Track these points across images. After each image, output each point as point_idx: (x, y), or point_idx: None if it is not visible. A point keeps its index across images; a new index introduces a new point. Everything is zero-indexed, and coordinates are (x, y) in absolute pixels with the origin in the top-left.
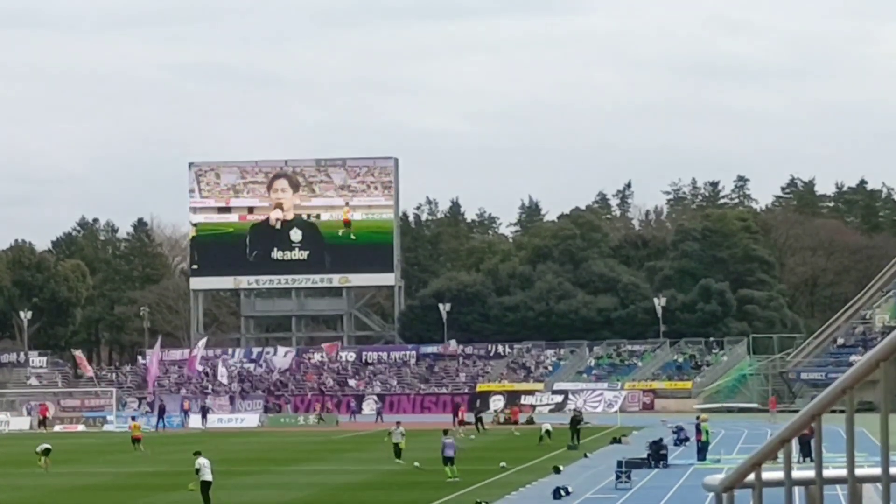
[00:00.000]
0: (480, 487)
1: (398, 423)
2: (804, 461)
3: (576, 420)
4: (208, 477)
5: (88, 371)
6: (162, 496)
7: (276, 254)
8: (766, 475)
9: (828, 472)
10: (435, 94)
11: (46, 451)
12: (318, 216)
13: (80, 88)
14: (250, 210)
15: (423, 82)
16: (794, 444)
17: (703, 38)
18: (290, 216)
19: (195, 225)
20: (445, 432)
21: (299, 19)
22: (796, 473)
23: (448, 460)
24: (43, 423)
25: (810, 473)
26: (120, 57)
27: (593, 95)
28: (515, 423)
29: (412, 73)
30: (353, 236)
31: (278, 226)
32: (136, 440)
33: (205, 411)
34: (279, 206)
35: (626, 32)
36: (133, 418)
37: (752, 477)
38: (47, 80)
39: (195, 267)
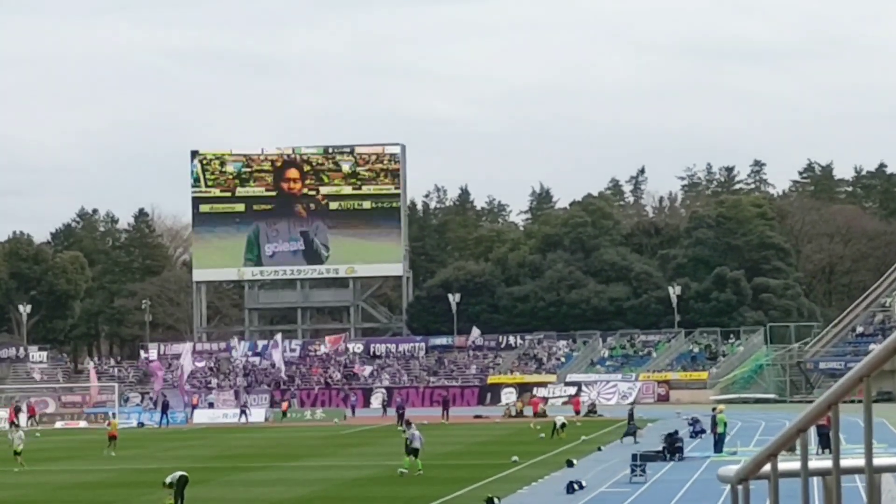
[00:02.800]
0: (492, 482)
1: (409, 423)
2: (823, 453)
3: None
4: (181, 473)
5: (94, 381)
6: (164, 492)
7: (284, 244)
8: (783, 465)
9: (846, 462)
10: (441, 78)
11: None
12: (326, 204)
13: (77, 76)
14: (257, 199)
15: (427, 67)
16: (813, 434)
17: (713, 18)
18: (300, 204)
19: (198, 214)
20: (409, 424)
21: (298, 2)
22: (813, 464)
23: (412, 452)
24: (33, 420)
25: (827, 464)
26: (116, 43)
27: (604, 78)
28: (578, 412)
29: (416, 57)
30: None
31: (290, 214)
32: (111, 438)
33: (244, 409)
34: (291, 194)
35: (635, 13)
36: (112, 415)
37: (767, 468)
38: (43, 67)
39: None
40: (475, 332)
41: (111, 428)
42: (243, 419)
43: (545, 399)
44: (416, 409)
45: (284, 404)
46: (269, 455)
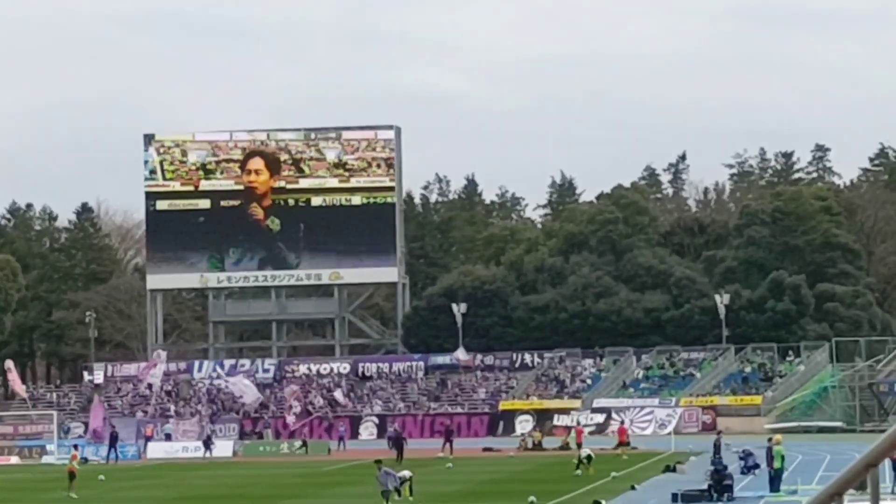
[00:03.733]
0: None
1: (380, 461)
2: None
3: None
4: None
5: (20, 390)
6: None
7: (256, 246)
8: None
9: None
10: (443, 49)
11: None
12: (307, 201)
13: (7, 47)
14: (224, 194)
15: (427, 35)
16: (887, 469)
17: None
18: (269, 201)
19: (154, 212)
20: (379, 462)
21: None
22: None
23: (387, 494)
24: None
25: None
26: (55, 7)
27: (638, 48)
28: (626, 444)
29: (414, 24)
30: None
31: (257, 212)
32: (72, 475)
33: (208, 441)
34: (254, 188)
35: None
36: (75, 447)
37: None
38: None
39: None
40: (461, 351)
41: (72, 463)
42: (207, 453)
43: (568, 429)
44: (414, 441)
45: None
46: (238, 497)
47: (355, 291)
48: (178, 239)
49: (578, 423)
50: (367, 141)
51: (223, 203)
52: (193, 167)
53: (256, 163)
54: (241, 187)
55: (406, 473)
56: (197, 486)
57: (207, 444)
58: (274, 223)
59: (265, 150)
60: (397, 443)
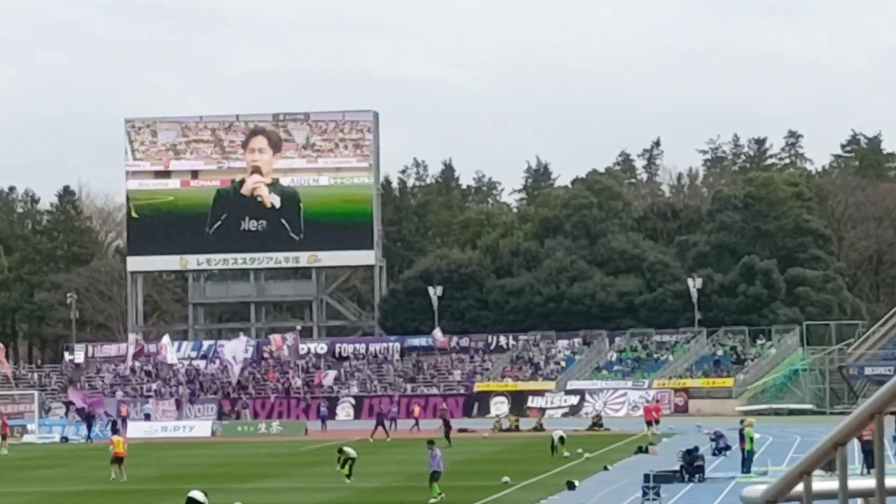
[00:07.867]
0: None
1: (432, 442)
2: (869, 472)
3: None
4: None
5: (6, 367)
6: None
7: (234, 227)
8: (818, 485)
9: (892, 482)
10: (421, 34)
11: None
12: (276, 181)
13: None
14: (193, 175)
15: (405, 21)
16: (854, 449)
17: None
18: (255, 180)
19: (131, 193)
20: (431, 443)
21: None
22: (854, 483)
23: (435, 476)
24: None
25: (870, 483)
26: None
27: (612, 35)
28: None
29: (389, 8)
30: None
31: (245, 193)
32: (117, 459)
33: (115, 421)
34: (256, 168)
35: None
36: (115, 431)
37: (800, 488)
38: None
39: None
40: (438, 331)
41: (115, 446)
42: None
43: (542, 410)
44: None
45: (443, 406)
46: (215, 476)
47: (333, 274)
48: (157, 221)
49: (656, 401)
50: (335, 122)
51: (193, 183)
52: (163, 148)
53: (259, 142)
54: (211, 167)
55: (351, 452)
56: (176, 466)
57: (115, 425)
58: (256, 203)
59: (264, 130)
60: (447, 424)
